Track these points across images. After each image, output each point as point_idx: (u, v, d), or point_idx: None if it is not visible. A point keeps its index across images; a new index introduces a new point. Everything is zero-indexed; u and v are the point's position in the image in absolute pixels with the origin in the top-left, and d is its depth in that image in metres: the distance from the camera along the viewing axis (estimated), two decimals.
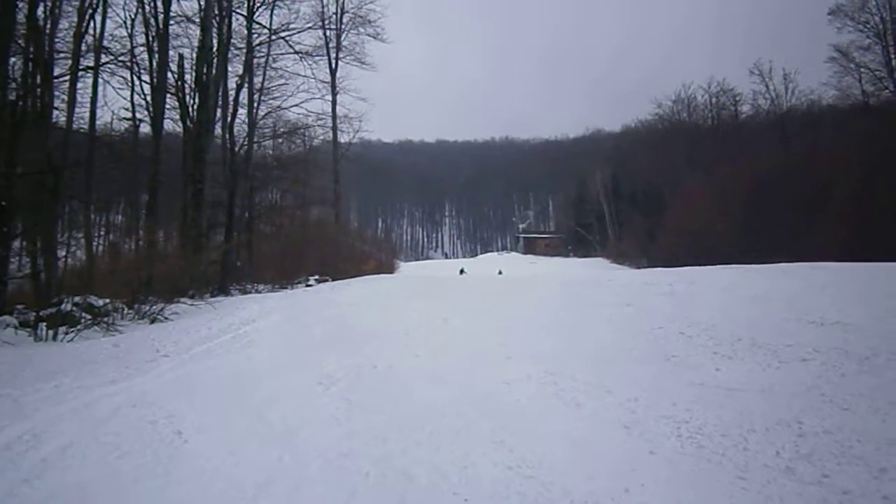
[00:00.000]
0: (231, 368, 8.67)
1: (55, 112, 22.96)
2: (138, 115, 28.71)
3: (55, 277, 19.14)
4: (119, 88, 27.35)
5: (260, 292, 24.06)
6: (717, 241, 50.08)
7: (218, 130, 27.93)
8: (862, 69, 52.32)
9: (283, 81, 33.33)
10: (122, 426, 6.08)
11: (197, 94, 25.29)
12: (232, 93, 29.05)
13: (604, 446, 5.36)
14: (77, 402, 6.83)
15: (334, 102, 40.53)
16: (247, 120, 31.17)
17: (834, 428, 5.30)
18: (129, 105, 28.66)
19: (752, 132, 73.72)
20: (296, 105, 34.94)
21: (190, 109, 25.61)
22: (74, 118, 24.46)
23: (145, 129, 28.13)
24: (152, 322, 15.39)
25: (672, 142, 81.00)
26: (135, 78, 27.20)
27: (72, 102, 23.89)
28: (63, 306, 15.19)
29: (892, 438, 4.96)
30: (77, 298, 15.47)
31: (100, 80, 25.78)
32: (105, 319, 15.11)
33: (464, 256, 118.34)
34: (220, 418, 6.33)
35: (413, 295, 15.98)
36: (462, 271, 52.12)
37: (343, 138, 42.23)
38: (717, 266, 21.05)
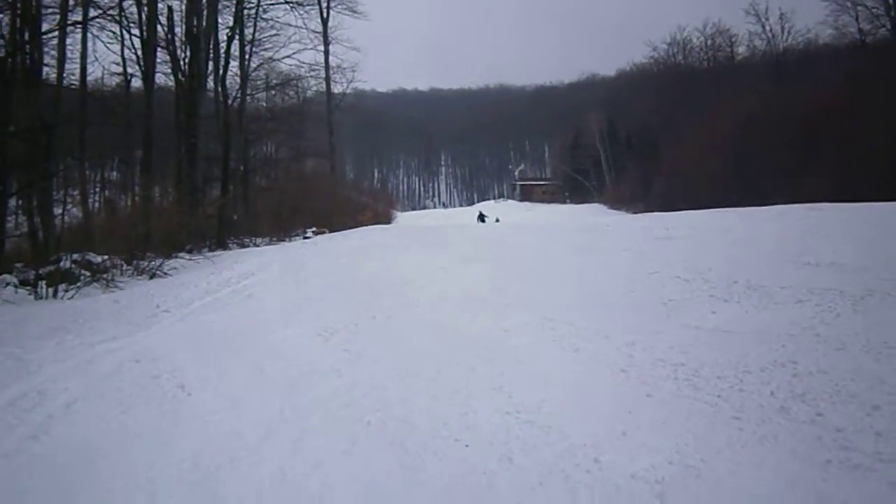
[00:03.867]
0: (231, 322, 8.74)
1: (45, 69, 22.73)
2: (129, 70, 28.36)
3: (52, 235, 19.12)
4: (109, 43, 26.96)
5: (258, 246, 24.12)
6: (713, 184, 50.00)
7: (210, 84, 27.72)
8: (859, 6, 51.80)
9: (274, 32, 33.01)
10: (125, 381, 6.16)
11: (188, 48, 25.00)
12: (223, 45, 28.75)
13: (601, 390, 5.44)
14: (80, 359, 6.90)
15: (326, 53, 40.28)
16: (239, 73, 30.92)
17: (828, 367, 5.37)
18: (119, 60, 28.33)
19: (748, 74, 73.19)
20: (288, 56, 34.56)
21: (182, 63, 25.32)
22: (65, 74, 24.26)
23: (137, 84, 27.81)
24: (151, 277, 15.43)
25: (667, 85, 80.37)
26: (124, 32, 26.84)
27: (62, 58, 23.66)
28: (62, 264, 15.21)
29: (884, 377, 5.03)
30: (76, 256, 15.49)
31: (89, 35, 25.51)
32: (104, 276, 15.13)
33: (460, 205, 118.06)
34: (222, 372, 6.40)
35: (411, 245, 16.03)
36: (482, 218, 47.44)
37: (336, 89, 42.08)
38: (714, 209, 21.12)
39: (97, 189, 32.49)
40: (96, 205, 29.69)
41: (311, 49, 38.29)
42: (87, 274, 15.08)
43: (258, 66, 32.40)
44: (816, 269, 9.30)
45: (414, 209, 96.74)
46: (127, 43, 27.49)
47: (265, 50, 32.66)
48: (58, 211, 21.40)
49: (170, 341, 7.67)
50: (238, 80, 30.93)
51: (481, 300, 9.29)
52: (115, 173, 37.04)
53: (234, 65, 29.96)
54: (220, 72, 28.53)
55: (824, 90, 47.92)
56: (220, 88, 28.42)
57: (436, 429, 4.74)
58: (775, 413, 4.66)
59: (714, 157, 54.16)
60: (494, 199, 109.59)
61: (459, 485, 3.95)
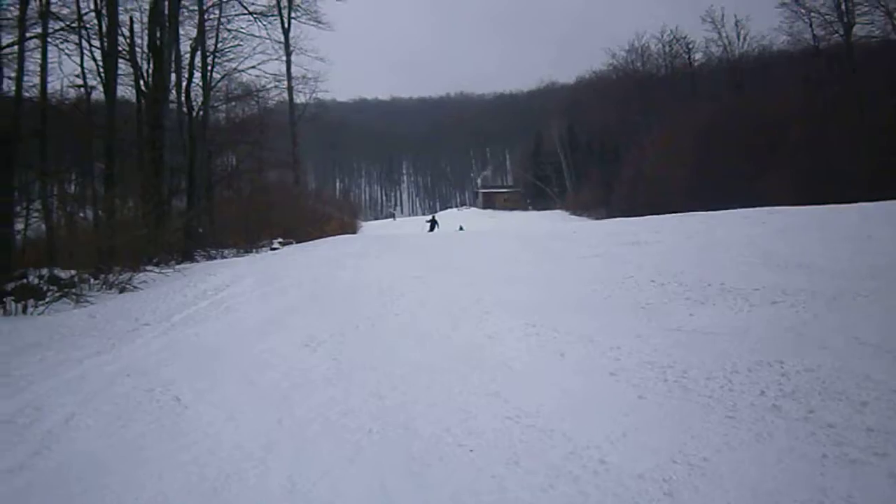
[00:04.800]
0: (214, 334, 8.71)
1: (6, 81, 22.37)
2: (90, 82, 28.02)
3: (15, 250, 18.84)
4: (69, 54, 26.58)
5: (225, 258, 23.97)
6: (674, 189, 50.69)
7: (173, 95, 27.47)
8: (812, 14, 52.73)
9: (237, 43, 32.83)
10: (119, 396, 6.13)
11: (151, 59, 24.79)
12: (186, 56, 28.57)
13: (594, 394, 5.53)
14: (69, 375, 6.85)
15: (289, 63, 40.26)
16: (201, 83, 30.70)
17: (814, 366, 5.52)
18: (79, 71, 27.93)
19: (705, 80, 74.40)
20: (252, 67, 34.40)
21: (145, 74, 25.12)
22: (24, 86, 23.87)
23: (98, 96, 27.48)
24: (121, 291, 15.28)
25: (627, 92, 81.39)
26: (84, 43, 26.49)
27: (20, 70, 23.30)
28: (29, 279, 15.02)
29: (869, 374, 5.18)
30: (42, 271, 15.29)
31: (49, 47, 25.15)
32: (73, 291, 14.96)
33: (423, 214, 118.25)
34: (214, 384, 6.40)
35: (382, 254, 16.06)
36: (433, 226, 46.44)
37: (300, 99, 41.98)
38: (677, 214, 21.42)
39: (58, 203, 31.94)
40: (59, 219, 29.19)
41: (277, 59, 38.33)
42: (55, 289, 14.89)
43: (222, 77, 32.22)
44: (787, 271, 9.49)
45: (377, 218, 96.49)
46: (87, 54, 27.17)
47: (229, 61, 32.51)
48: (20, 226, 21.11)
49: (156, 355, 7.64)
50: (201, 91, 30.72)
51: (460, 308, 9.34)
52: (74, 186, 36.52)
53: (197, 76, 29.79)
54: (184, 83, 28.34)
55: (780, 96, 48.84)
56: (183, 99, 28.22)
57: (438, 435, 4.80)
58: (768, 411, 4.79)
59: (675, 162, 54.92)
60: (457, 206, 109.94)
61: (470, 489, 4.00)
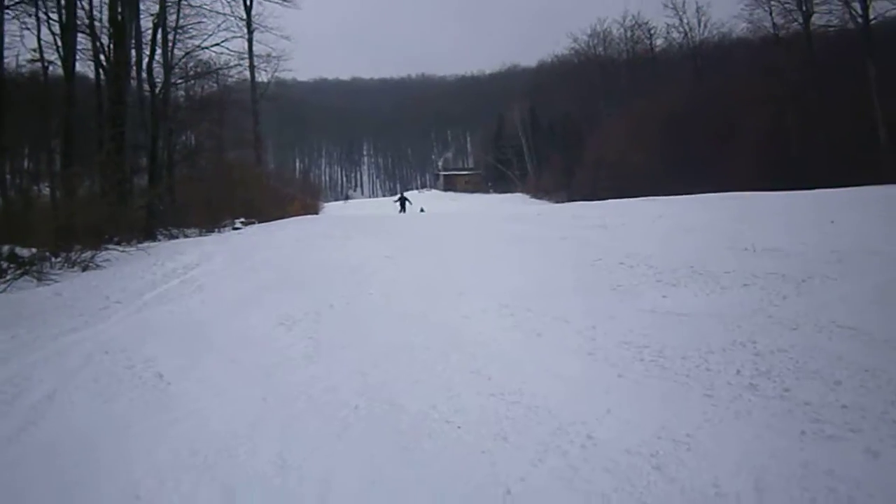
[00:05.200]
0: (189, 313, 8.66)
1: None
2: (48, 57, 27.40)
3: None
4: (25, 27, 25.95)
5: (188, 237, 23.69)
6: (634, 174, 51.12)
7: (134, 71, 26.97)
8: (772, 2, 53.24)
9: (200, 19, 32.28)
10: (100, 372, 6.09)
11: (112, 34, 24.31)
12: (148, 32, 28.03)
13: (574, 372, 5.63)
14: (46, 351, 6.78)
15: (250, 41, 39.76)
16: (162, 60, 30.15)
17: (786, 346, 5.67)
18: (36, 46, 27.29)
19: (666, 65, 74.96)
20: (217, 44, 33.85)
21: (105, 49, 24.63)
22: None
23: (55, 71, 26.89)
24: (84, 270, 15.04)
25: (588, 76, 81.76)
26: (41, 15, 25.88)
27: None
28: None
29: (840, 354, 5.35)
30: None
31: (5, 19, 24.54)
32: (34, 268, 14.71)
33: (383, 195, 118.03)
34: (195, 361, 6.38)
35: (349, 234, 16.04)
36: (403, 205, 45.15)
37: (261, 77, 41.53)
38: (639, 199, 21.68)
39: (15, 180, 31.36)
40: (15, 195, 28.61)
41: (241, 37, 37.81)
42: (14, 267, 14.64)
43: (185, 54, 31.64)
44: (754, 255, 9.69)
45: (337, 200, 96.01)
46: (45, 26, 26.54)
47: (191, 38, 31.93)
48: None
49: (133, 332, 7.58)
50: (162, 68, 30.17)
51: (433, 288, 9.41)
52: (28, 162, 35.81)
53: (158, 52, 29.23)
54: (146, 59, 27.84)
55: (741, 83, 49.41)
56: (145, 76, 27.73)
57: (425, 412, 4.86)
58: (744, 390, 4.92)
59: (636, 147, 55.37)
60: (418, 188, 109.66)
61: (461, 463, 4.07)
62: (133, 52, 26.32)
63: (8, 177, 24.17)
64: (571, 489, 3.66)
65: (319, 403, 5.18)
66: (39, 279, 13.80)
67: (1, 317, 8.87)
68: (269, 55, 39.78)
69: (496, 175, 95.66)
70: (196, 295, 9.73)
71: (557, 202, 54.08)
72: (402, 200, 46.50)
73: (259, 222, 28.00)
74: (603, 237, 12.69)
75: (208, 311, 8.75)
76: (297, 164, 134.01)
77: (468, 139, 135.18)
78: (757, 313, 6.83)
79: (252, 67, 40.04)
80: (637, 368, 5.60)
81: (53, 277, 13.74)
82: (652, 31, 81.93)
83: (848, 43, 43.52)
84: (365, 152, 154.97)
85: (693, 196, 20.96)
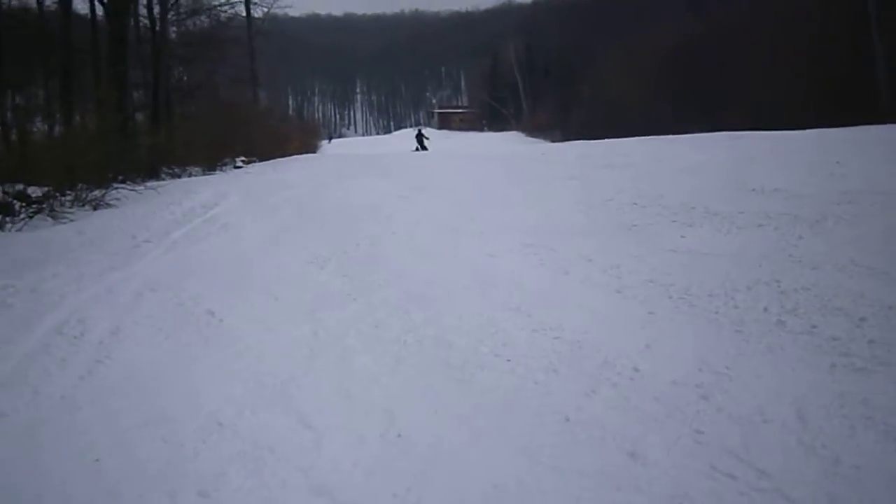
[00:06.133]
0: (221, 251, 8.87)
1: None
2: None
3: None
4: None
5: (192, 175, 23.78)
6: (631, 112, 50.97)
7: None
8: None
9: None
10: (153, 309, 6.33)
11: None
12: None
13: (607, 309, 5.89)
14: (95, 289, 6.98)
15: None
16: None
17: (809, 285, 5.92)
18: None
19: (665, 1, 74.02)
20: None
21: None
22: None
23: (49, 8, 26.52)
24: (95, 208, 15.15)
25: (585, 11, 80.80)
26: None
27: None
28: None
29: (864, 292, 5.60)
30: (4, 186, 15.03)
31: None
32: (44, 206, 14.81)
33: (377, 133, 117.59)
34: (240, 298, 6.61)
35: (359, 174, 16.19)
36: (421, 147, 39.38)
37: (256, 13, 41.02)
38: (638, 138, 21.77)
39: (14, 117, 31.10)
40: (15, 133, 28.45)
41: None
42: (22, 205, 14.72)
43: None
44: (763, 195, 9.86)
45: (331, 138, 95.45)
46: None
47: None
48: None
49: (172, 270, 7.77)
50: (158, 4, 29.79)
51: (452, 227, 9.60)
52: (17, 99, 35.35)
53: None
54: None
55: (740, 19, 48.96)
56: (147, 12, 27.44)
57: (473, 346, 5.11)
58: (773, 326, 5.18)
59: (633, 85, 55.13)
60: (412, 126, 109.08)
61: (516, 393, 4.35)
62: None
63: (9, 114, 23.89)
64: (626, 417, 3.93)
65: (369, 339, 5.44)
66: (54, 218, 13.94)
67: (33, 255, 9.02)
68: None
69: (491, 113, 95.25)
70: (222, 234, 9.93)
71: (552, 141, 54.01)
72: (420, 137, 42.54)
73: (260, 161, 28.04)
74: (610, 177, 12.85)
75: (238, 249, 8.97)
76: (291, 102, 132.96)
77: (462, 77, 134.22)
78: (776, 253, 7.06)
79: (248, 2, 39.50)
80: (666, 305, 5.86)
81: (68, 216, 13.87)
82: None
83: None
84: (358, 90, 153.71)
85: (693, 135, 21.06)
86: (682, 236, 8.21)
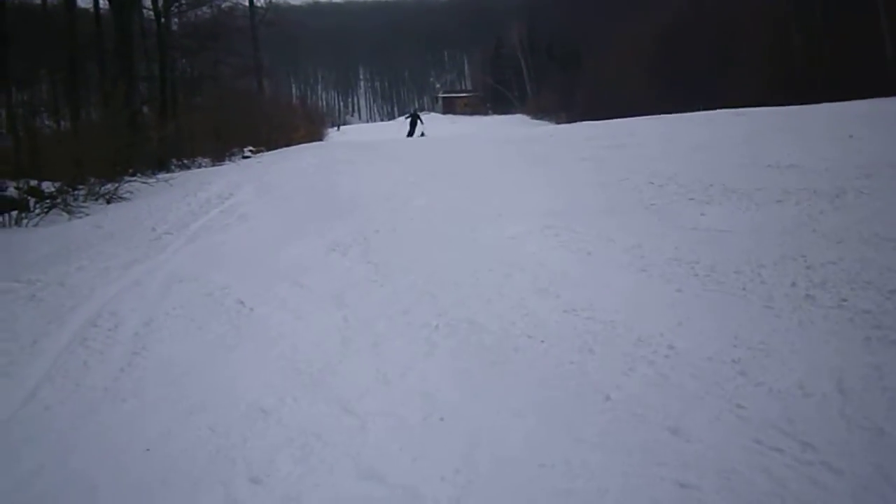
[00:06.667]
0: (241, 241, 8.93)
1: None
2: None
3: None
4: None
5: (202, 167, 23.85)
6: (634, 92, 50.84)
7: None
8: None
9: None
10: (183, 300, 6.38)
11: None
12: None
13: (633, 288, 5.91)
14: (124, 282, 7.03)
15: None
16: None
17: (835, 259, 5.91)
18: None
19: None
20: None
21: None
22: None
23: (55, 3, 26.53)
24: (108, 202, 15.22)
25: None
26: None
27: None
28: (8, 191, 14.86)
29: (891, 265, 5.59)
30: (17, 183, 15.06)
31: None
32: (58, 201, 14.86)
33: (381, 120, 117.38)
34: (267, 287, 6.65)
35: (370, 161, 16.19)
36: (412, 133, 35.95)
37: (259, 2, 40.94)
38: (644, 117, 21.66)
39: (25, 112, 31.16)
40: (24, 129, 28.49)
41: None
42: (34, 200, 14.77)
43: None
44: (779, 171, 9.83)
45: (339, 126, 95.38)
46: None
47: None
48: None
49: (196, 261, 7.83)
50: None
51: (469, 211, 9.60)
52: (20, 94, 35.35)
53: None
54: None
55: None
56: (152, 4, 27.42)
57: (505, 328, 5.14)
58: (803, 301, 5.18)
59: (635, 66, 54.94)
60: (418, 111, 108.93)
61: (553, 373, 4.38)
62: None
63: (20, 110, 23.97)
64: (666, 394, 3.96)
65: (399, 324, 5.47)
66: (69, 213, 14.00)
67: (54, 249, 9.11)
68: None
69: (495, 96, 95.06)
70: (241, 224, 9.97)
71: (558, 123, 53.87)
72: (414, 118, 38.98)
73: (267, 150, 28.07)
74: (622, 157, 12.84)
75: (258, 238, 9.01)
76: (294, 91, 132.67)
77: (465, 60, 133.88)
78: (799, 228, 7.06)
79: None
80: (693, 283, 5.87)
81: (83, 210, 13.92)
82: None
83: None
84: (361, 76, 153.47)
85: (701, 113, 20.99)
86: (702, 214, 8.20)
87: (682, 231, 7.57)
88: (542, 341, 4.86)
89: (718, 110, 20.51)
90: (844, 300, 5.09)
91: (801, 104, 20.00)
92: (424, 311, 5.68)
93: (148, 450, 3.80)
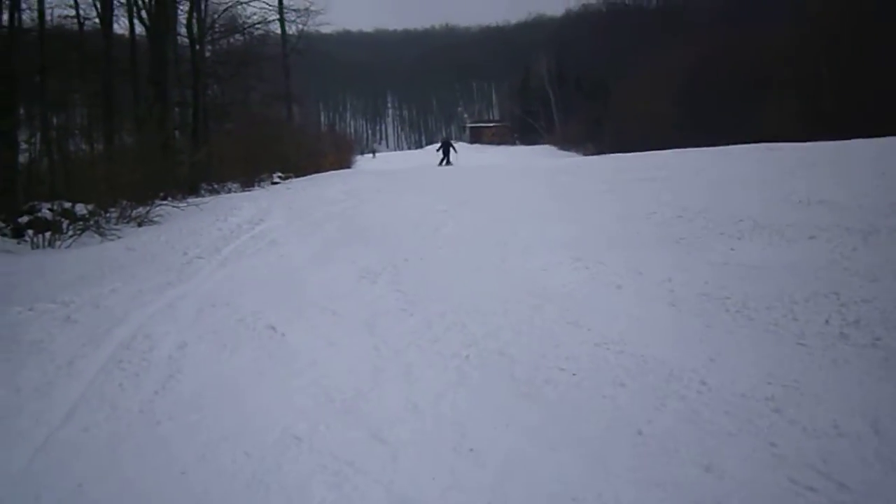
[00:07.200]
0: (272, 267, 9.03)
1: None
2: (84, 14, 27.54)
3: (19, 185, 18.76)
4: None
5: (231, 192, 24.10)
6: (663, 125, 50.85)
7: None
8: None
9: None
10: (215, 325, 6.45)
11: None
12: None
13: (664, 322, 5.89)
14: (157, 305, 7.14)
15: None
16: (196, 16, 30.22)
17: (869, 297, 5.87)
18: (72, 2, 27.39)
19: (696, 14, 73.84)
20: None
21: (146, 4, 24.83)
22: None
23: (91, 27, 27.03)
24: (140, 225, 15.43)
25: (616, 26, 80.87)
26: None
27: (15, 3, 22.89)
28: (42, 213, 15.08)
29: None
30: (51, 205, 15.29)
31: None
32: (91, 223, 15.07)
33: (408, 148, 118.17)
34: (298, 314, 6.71)
35: (400, 189, 16.38)
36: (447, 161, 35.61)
37: (290, 30, 41.40)
38: (674, 150, 21.68)
39: (60, 137, 31.68)
40: (59, 153, 28.95)
41: None
42: (67, 222, 14.99)
43: (224, 9, 31.80)
44: (810, 207, 9.80)
45: (362, 153, 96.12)
46: None
47: None
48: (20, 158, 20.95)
49: (228, 286, 7.93)
50: (196, 23, 30.25)
51: (498, 242, 9.64)
52: (54, 119, 35.94)
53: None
54: (188, 15, 28.00)
55: (772, 31, 48.72)
56: (184, 31, 27.90)
57: (535, 360, 5.14)
58: (836, 339, 5.15)
59: (664, 99, 54.98)
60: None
61: (585, 407, 4.37)
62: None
63: (54, 134, 24.39)
64: (698, 430, 3.94)
65: (430, 353, 5.49)
66: (101, 235, 14.20)
67: (87, 271, 9.24)
68: (306, 9, 39.44)
69: (522, 126, 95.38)
70: (271, 250, 10.07)
71: (585, 154, 54.01)
72: (446, 146, 37.55)
73: (296, 177, 28.33)
74: (651, 190, 12.84)
75: (289, 265, 9.11)
76: (322, 118, 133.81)
77: (493, 91, 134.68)
78: (832, 265, 7.02)
79: (283, 20, 39.91)
80: (724, 319, 5.85)
81: (115, 233, 14.11)
82: None
83: None
84: (389, 105, 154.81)
85: (730, 147, 20.93)
86: (732, 249, 8.18)
87: (712, 266, 7.55)
88: (574, 374, 4.86)
89: (748, 144, 20.48)
90: (878, 339, 5.05)
91: (832, 139, 19.92)
92: (455, 341, 5.69)
93: (184, 473, 3.84)
